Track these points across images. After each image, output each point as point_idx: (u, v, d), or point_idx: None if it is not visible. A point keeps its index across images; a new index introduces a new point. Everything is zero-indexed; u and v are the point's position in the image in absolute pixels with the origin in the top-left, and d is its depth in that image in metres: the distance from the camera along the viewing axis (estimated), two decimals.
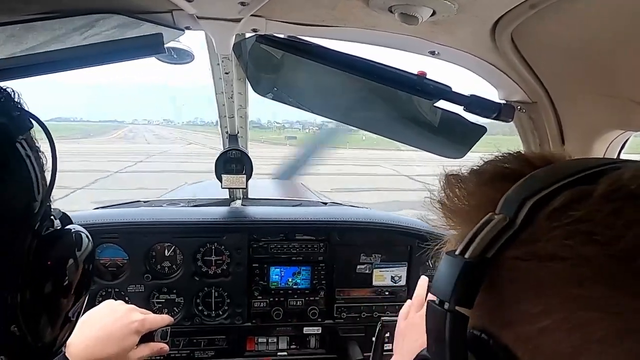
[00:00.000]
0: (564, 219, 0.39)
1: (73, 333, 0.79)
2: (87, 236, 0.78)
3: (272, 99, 1.56)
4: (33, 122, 0.68)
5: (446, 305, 0.42)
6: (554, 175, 0.44)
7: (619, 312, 0.36)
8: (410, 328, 1.12)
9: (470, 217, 0.47)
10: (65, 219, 0.76)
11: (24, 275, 0.64)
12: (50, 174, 0.69)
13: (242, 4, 0.96)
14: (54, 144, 0.72)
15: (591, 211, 0.39)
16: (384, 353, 1.79)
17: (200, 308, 1.84)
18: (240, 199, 2.23)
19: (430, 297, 0.46)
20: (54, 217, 0.73)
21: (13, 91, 0.67)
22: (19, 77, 1.05)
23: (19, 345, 0.66)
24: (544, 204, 0.41)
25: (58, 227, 0.72)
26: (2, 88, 0.66)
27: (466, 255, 0.42)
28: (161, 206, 2.18)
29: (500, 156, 0.53)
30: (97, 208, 2.09)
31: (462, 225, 0.51)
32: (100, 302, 1.71)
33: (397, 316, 1.88)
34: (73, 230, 0.75)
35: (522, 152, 0.53)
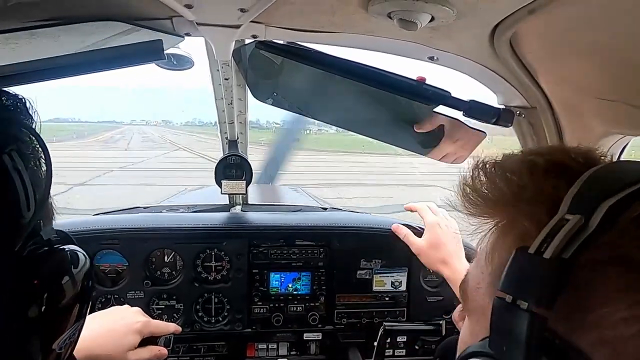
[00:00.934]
0: None
1: None
2: (82, 254, 0.70)
3: (272, 105, 1.56)
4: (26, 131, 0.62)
5: (523, 305, 0.41)
6: (624, 178, 0.44)
7: None
8: None
9: (524, 210, 0.47)
10: (62, 236, 0.68)
11: (2, 301, 0.56)
12: (43, 188, 0.62)
13: (242, 10, 0.96)
14: (49, 156, 0.64)
15: None
16: (385, 358, 1.79)
17: (200, 314, 1.84)
18: (240, 204, 2.23)
19: (498, 294, 0.45)
20: (42, 236, 0.64)
21: (23, 98, 0.63)
22: (18, 84, 1.05)
23: None
24: (624, 207, 0.41)
25: (45, 247, 0.64)
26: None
27: (545, 255, 0.42)
28: (161, 212, 2.18)
29: (543, 149, 0.54)
30: (97, 214, 2.09)
31: (511, 216, 0.51)
32: (99, 308, 1.71)
33: (397, 321, 1.89)
34: (66, 250, 0.66)
35: (563, 144, 0.52)
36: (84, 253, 0.70)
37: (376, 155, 30.44)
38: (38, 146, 0.64)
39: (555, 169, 0.49)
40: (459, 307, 0.71)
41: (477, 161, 0.55)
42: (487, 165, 0.54)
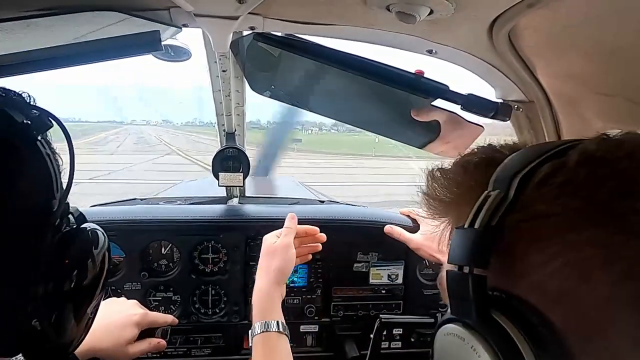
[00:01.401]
0: (549, 185, 0.50)
1: None
2: (102, 233, 0.80)
3: (270, 97, 1.56)
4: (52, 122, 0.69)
5: (465, 269, 0.50)
6: (530, 156, 0.54)
7: (607, 245, 0.46)
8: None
9: (464, 200, 0.56)
10: (81, 217, 0.77)
11: (46, 271, 0.65)
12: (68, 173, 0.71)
13: (240, 1, 0.96)
14: (71, 142, 0.74)
15: (570, 176, 0.49)
16: (381, 351, 1.80)
17: (197, 306, 1.84)
18: (237, 197, 2.23)
19: (447, 267, 0.53)
20: (72, 214, 0.74)
21: (28, 95, 0.69)
22: (14, 74, 1.04)
23: (39, 341, 0.67)
24: (529, 177, 0.51)
25: (75, 225, 0.74)
26: (16, 91, 0.67)
27: (475, 226, 0.51)
28: (158, 204, 2.18)
29: (475, 149, 0.64)
30: (94, 205, 2.09)
31: (456, 209, 0.59)
32: None
33: (394, 314, 1.90)
34: (89, 227, 0.77)
35: (491, 143, 0.64)
36: (102, 230, 0.80)
37: (387, 159, 28.72)
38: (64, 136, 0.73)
39: (483, 162, 0.59)
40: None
41: (427, 169, 0.64)
42: (434, 172, 0.63)
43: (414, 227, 1.82)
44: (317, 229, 1.62)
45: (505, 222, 0.50)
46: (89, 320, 0.79)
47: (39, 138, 0.65)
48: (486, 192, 0.53)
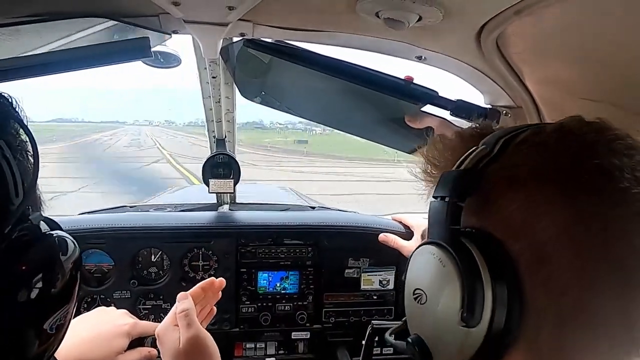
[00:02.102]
0: (528, 144, 0.60)
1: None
2: (72, 241, 0.73)
3: (260, 104, 1.56)
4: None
5: (446, 200, 0.60)
6: (517, 127, 0.65)
7: (564, 193, 0.55)
8: None
9: (454, 164, 0.65)
10: (50, 224, 0.72)
11: None
12: (31, 178, 0.66)
13: (230, 8, 0.96)
14: (36, 146, 0.68)
15: (545, 138, 0.60)
16: (373, 357, 1.80)
17: None
18: (227, 203, 2.22)
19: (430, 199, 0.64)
20: (32, 221, 0.67)
21: (9, 95, 0.66)
22: (3, 80, 1.03)
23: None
24: (512, 139, 0.62)
25: (36, 232, 0.67)
26: None
27: (461, 168, 0.62)
28: (148, 211, 2.16)
29: (475, 125, 0.73)
30: (82, 213, 2.07)
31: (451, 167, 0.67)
32: (85, 308, 1.69)
33: (386, 320, 1.89)
34: (56, 235, 0.70)
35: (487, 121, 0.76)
36: (72, 239, 0.73)
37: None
38: (27, 139, 0.68)
39: (478, 134, 0.68)
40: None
41: (432, 138, 0.75)
42: (435, 140, 0.74)
43: (408, 234, 1.83)
44: (213, 279, 1.39)
45: (487, 170, 0.60)
46: (51, 336, 0.70)
47: None
48: (475, 149, 0.63)
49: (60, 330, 0.72)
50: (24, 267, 0.63)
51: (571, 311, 0.54)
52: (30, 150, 0.68)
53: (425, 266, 0.61)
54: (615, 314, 0.54)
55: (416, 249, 0.65)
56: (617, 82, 0.94)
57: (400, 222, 1.90)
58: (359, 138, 1.75)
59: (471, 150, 0.63)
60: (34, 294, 0.64)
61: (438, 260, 0.59)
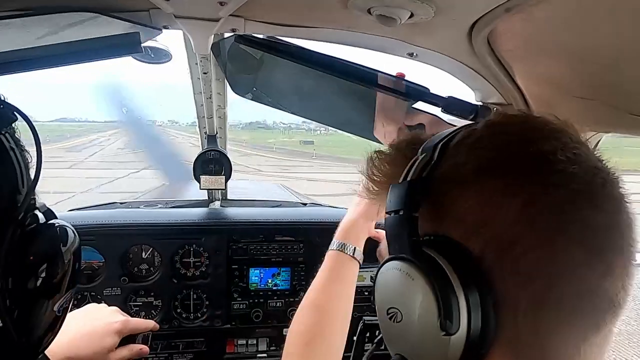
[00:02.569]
0: (464, 145, 0.63)
1: None
2: (72, 230, 0.77)
3: (252, 100, 1.55)
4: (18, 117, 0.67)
5: (400, 213, 0.61)
6: (449, 131, 0.67)
7: (510, 181, 0.58)
8: None
9: (396, 174, 0.66)
10: (50, 214, 0.75)
11: (7, 266, 0.63)
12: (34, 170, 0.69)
13: (221, 3, 0.95)
14: (37, 136, 0.72)
15: (479, 137, 0.63)
16: (364, 352, 1.80)
17: (178, 310, 1.82)
18: (219, 200, 2.22)
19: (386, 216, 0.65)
20: (39, 210, 0.72)
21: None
22: None
23: (3, 339, 0.65)
24: (448, 141, 0.64)
25: (42, 221, 0.72)
26: None
27: (408, 179, 0.63)
28: (138, 207, 2.15)
29: (406, 136, 0.77)
30: (72, 210, 2.05)
31: (388, 183, 0.68)
32: (75, 305, 1.68)
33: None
34: (58, 224, 0.75)
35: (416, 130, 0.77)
36: (72, 227, 0.78)
37: None
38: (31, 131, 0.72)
39: (412, 142, 0.70)
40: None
41: (367, 155, 0.75)
42: (371, 156, 0.74)
43: None
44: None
45: (433, 176, 0.61)
46: (58, 319, 0.76)
47: (2, 132, 0.64)
48: (416, 157, 0.64)
49: (65, 314, 0.78)
50: (39, 254, 0.69)
51: (542, 294, 0.55)
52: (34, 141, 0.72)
53: (394, 283, 0.61)
54: (584, 290, 0.56)
55: (380, 267, 0.64)
56: (608, 80, 0.94)
57: None
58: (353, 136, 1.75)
59: (413, 160, 0.64)
60: (49, 278, 0.70)
61: (405, 275, 0.59)
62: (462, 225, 0.59)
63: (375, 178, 0.73)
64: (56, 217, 0.77)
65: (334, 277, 1.33)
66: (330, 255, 1.35)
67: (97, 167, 24.26)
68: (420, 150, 0.65)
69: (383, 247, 0.91)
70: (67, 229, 0.77)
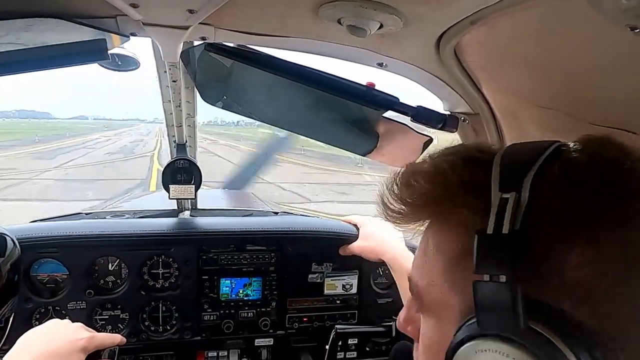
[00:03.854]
0: (564, 186, 0.50)
1: (16, 349, 0.73)
2: (12, 239, 0.73)
3: (222, 108, 1.54)
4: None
5: (502, 279, 0.47)
6: (527, 155, 0.53)
7: (620, 242, 0.48)
8: None
9: (456, 201, 0.55)
10: None
11: None
12: None
13: (190, 11, 0.94)
14: None
15: (583, 177, 0.50)
16: None
17: (146, 323, 1.77)
18: (189, 209, 2.18)
19: (474, 277, 0.50)
20: None
21: None
22: None
23: None
24: (540, 177, 0.50)
25: None
26: None
27: (504, 231, 0.48)
28: (104, 218, 2.09)
29: (446, 151, 0.63)
30: (34, 221, 1.98)
31: (444, 210, 0.58)
32: (37, 320, 1.62)
33: (348, 324, 1.91)
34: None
35: (463, 144, 0.64)
36: (11, 236, 0.72)
37: None
38: None
39: (469, 162, 0.58)
40: (403, 313, 0.74)
41: (394, 175, 0.63)
42: (403, 176, 0.62)
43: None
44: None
45: (528, 225, 0.49)
46: (6, 324, 0.72)
47: None
48: (496, 194, 0.51)
49: (7, 323, 0.72)
50: None
51: None
52: None
53: None
54: None
55: (460, 345, 0.51)
56: (570, 91, 0.98)
57: (350, 223, 1.91)
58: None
59: (499, 199, 0.50)
60: None
61: None
62: (569, 292, 0.48)
63: (409, 200, 0.60)
64: None
65: None
66: None
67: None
68: (495, 180, 0.52)
69: (403, 317, 0.74)
70: (7, 238, 0.73)
